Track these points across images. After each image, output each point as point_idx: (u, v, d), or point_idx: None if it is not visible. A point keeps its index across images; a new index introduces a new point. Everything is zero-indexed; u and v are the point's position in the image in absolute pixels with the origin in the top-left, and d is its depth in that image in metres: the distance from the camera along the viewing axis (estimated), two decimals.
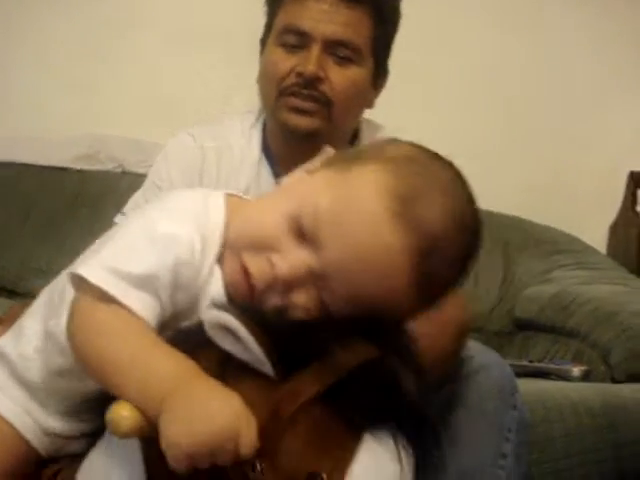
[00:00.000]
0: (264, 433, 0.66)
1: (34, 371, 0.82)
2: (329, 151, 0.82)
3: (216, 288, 0.77)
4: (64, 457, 0.83)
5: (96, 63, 2.40)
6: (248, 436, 0.65)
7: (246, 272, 0.75)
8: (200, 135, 1.31)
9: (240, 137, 1.31)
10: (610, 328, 1.66)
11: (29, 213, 2.19)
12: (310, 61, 1.21)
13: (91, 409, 0.81)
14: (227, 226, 0.79)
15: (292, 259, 0.74)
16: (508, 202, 2.12)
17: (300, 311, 0.73)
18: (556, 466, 1.37)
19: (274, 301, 0.75)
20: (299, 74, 1.22)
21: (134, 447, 0.73)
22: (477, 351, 1.18)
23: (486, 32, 2.36)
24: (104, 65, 2.41)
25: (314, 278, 0.74)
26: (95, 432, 0.80)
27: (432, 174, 0.75)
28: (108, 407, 0.71)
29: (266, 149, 1.31)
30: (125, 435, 0.67)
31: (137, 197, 1.33)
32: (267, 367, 0.68)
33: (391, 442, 0.69)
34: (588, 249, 2.16)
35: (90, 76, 2.40)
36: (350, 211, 0.73)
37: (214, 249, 0.78)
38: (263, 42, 1.30)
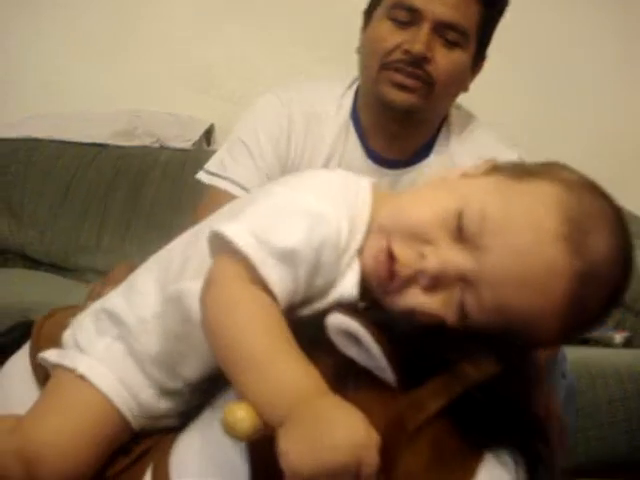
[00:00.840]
0: (384, 443, 0.63)
1: (149, 336, 0.81)
2: (491, 161, 0.79)
3: (351, 280, 0.74)
4: (156, 432, 0.82)
5: (130, 39, 2.42)
6: (371, 464, 0.62)
7: (392, 256, 0.72)
8: (289, 100, 1.31)
9: (329, 104, 1.31)
10: None
11: (70, 190, 2.21)
12: (419, 40, 1.20)
13: (194, 387, 0.80)
14: (372, 217, 0.76)
15: (445, 256, 0.71)
16: None
17: (432, 316, 0.71)
18: (601, 433, 1.37)
19: (411, 298, 0.72)
20: (406, 51, 1.21)
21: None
22: None
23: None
24: (138, 41, 2.42)
25: (462, 282, 0.71)
26: (188, 411, 0.80)
27: (604, 207, 0.73)
28: (216, 392, 0.71)
29: (355, 119, 1.31)
30: (241, 439, 0.65)
31: (222, 154, 1.33)
32: (389, 375, 0.66)
33: (511, 462, 0.66)
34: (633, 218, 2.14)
35: (125, 52, 2.41)
36: (520, 221, 0.70)
37: (358, 238, 0.75)
38: (369, 14, 1.28)
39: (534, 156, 0.79)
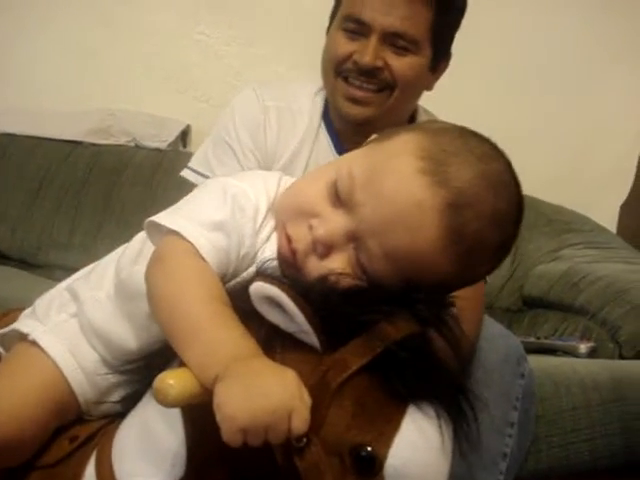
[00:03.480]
0: (311, 403, 0.65)
1: (101, 314, 0.85)
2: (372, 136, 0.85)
3: (270, 250, 0.80)
4: (102, 419, 0.84)
5: (108, 37, 2.41)
6: (302, 415, 0.65)
7: (288, 237, 0.78)
8: (263, 93, 1.34)
9: (303, 101, 1.34)
10: (619, 305, 1.67)
11: (44, 186, 2.20)
12: (367, 52, 1.23)
13: (138, 368, 0.83)
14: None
15: (329, 222, 0.78)
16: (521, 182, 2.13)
17: (343, 278, 0.74)
18: (565, 439, 1.38)
19: (316, 267, 0.77)
20: (355, 62, 1.24)
21: (174, 412, 0.73)
22: (483, 324, 1.20)
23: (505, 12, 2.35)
24: (116, 39, 2.41)
25: (351, 240, 0.77)
26: (132, 395, 0.82)
27: (467, 143, 0.77)
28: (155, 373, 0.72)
29: (327, 118, 1.34)
30: (171, 404, 0.67)
31: (206, 151, 1.35)
32: (313, 338, 0.69)
33: (433, 414, 0.68)
34: (598, 228, 2.17)
35: (102, 50, 2.41)
36: (383, 172, 0.75)
37: (273, 221, 0.82)
38: (330, 22, 1.32)
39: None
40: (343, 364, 0.68)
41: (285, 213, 0.81)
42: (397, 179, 0.74)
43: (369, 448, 0.66)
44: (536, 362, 1.30)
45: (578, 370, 1.43)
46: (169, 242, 0.78)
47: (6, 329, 0.89)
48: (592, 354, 1.59)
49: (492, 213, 0.75)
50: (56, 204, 2.18)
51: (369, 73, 1.23)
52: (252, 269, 0.79)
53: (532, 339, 1.65)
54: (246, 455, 0.69)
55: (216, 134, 1.35)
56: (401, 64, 1.24)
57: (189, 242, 0.76)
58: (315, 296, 0.69)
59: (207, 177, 1.31)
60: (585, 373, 1.42)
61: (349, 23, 1.25)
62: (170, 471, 0.74)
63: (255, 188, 0.82)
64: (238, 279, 0.79)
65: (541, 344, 1.62)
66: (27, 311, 0.91)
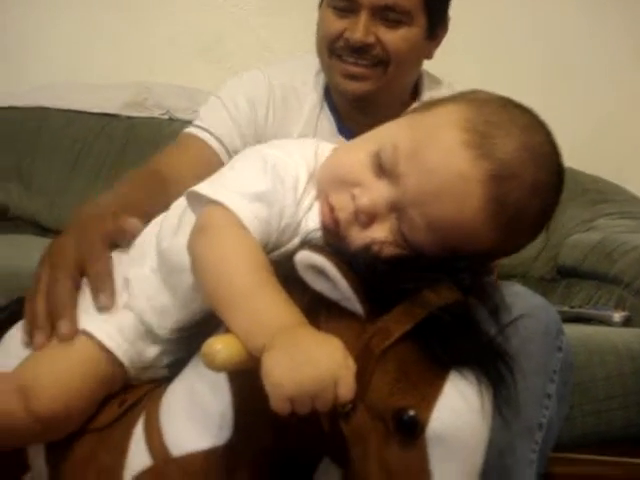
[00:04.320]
0: (356, 370, 0.67)
1: (148, 287, 0.86)
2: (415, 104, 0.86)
3: (313, 222, 0.81)
4: (148, 383, 0.87)
5: (142, 10, 2.42)
6: (348, 383, 0.66)
7: (331, 207, 0.80)
8: (270, 72, 1.33)
9: (305, 80, 1.33)
10: None
11: (80, 159, 2.23)
12: (357, 28, 1.21)
13: (184, 336, 0.85)
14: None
15: (372, 192, 0.79)
16: None
17: (386, 247, 0.76)
18: (598, 408, 1.40)
19: (358, 236, 0.78)
20: (347, 40, 1.22)
21: (221, 377, 0.76)
22: (523, 295, 1.20)
23: None
24: (150, 12, 2.43)
25: (393, 210, 0.78)
26: (178, 361, 0.84)
27: (510, 114, 0.78)
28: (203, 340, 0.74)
29: (329, 97, 1.33)
30: (218, 369, 0.69)
31: (199, 111, 1.33)
32: (356, 305, 0.70)
33: (474, 379, 0.70)
34: (633, 198, 2.16)
35: (136, 23, 2.42)
36: (427, 143, 0.77)
37: (314, 191, 0.83)
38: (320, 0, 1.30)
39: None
40: (386, 331, 0.69)
41: (327, 182, 0.82)
42: (442, 151, 0.76)
43: (412, 412, 0.68)
44: (570, 331, 1.31)
45: (612, 339, 1.44)
46: (212, 213, 0.79)
47: None
48: (626, 323, 1.60)
49: (533, 184, 0.76)
50: (93, 176, 2.21)
51: (361, 50, 1.22)
52: (296, 240, 0.80)
53: (566, 308, 1.66)
54: (292, 419, 0.71)
55: (212, 98, 1.34)
56: (394, 38, 1.22)
57: (232, 212, 0.77)
58: (358, 264, 0.71)
59: (195, 126, 1.30)
60: (619, 342, 1.43)
61: (338, 0, 1.23)
62: (217, 434, 0.77)
63: (294, 158, 0.83)
64: (282, 250, 0.80)
65: (575, 313, 1.63)
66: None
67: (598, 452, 1.45)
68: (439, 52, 1.32)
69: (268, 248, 0.80)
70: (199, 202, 0.81)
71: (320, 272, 0.70)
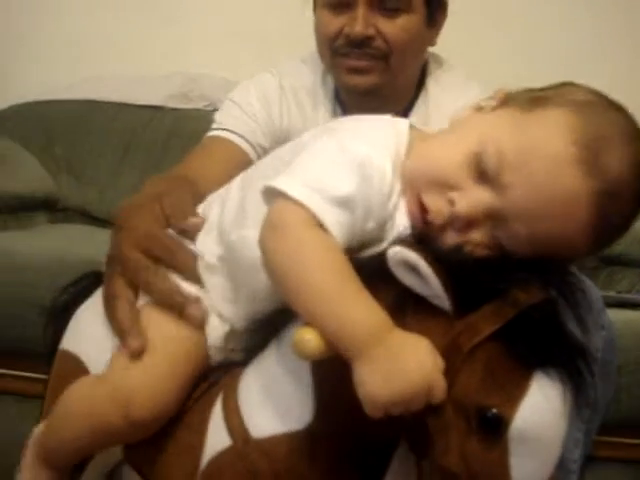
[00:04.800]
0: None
1: (218, 278, 0.88)
2: (502, 90, 0.82)
3: (401, 221, 0.79)
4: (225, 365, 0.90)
5: (187, 2, 2.46)
6: (440, 386, 0.68)
7: (424, 209, 0.77)
8: (280, 74, 1.35)
9: (316, 80, 1.34)
10: None
11: (129, 150, 2.28)
12: (356, 22, 1.20)
13: (259, 323, 0.86)
14: (406, 159, 0.80)
15: (472, 198, 0.76)
16: None
17: (476, 248, 0.75)
18: None
19: (451, 238, 0.76)
20: (347, 36, 1.22)
21: (302, 363, 0.77)
22: None
23: None
24: (195, 4, 2.46)
25: (493, 219, 0.76)
26: (254, 346, 0.87)
27: (615, 121, 0.77)
28: (280, 326, 0.78)
29: (337, 94, 1.34)
30: (311, 358, 0.71)
31: (215, 116, 1.37)
32: (445, 302, 0.71)
33: (558, 380, 0.70)
34: None
35: (181, 15, 2.46)
36: (535, 154, 0.74)
37: (399, 181, 0.79)
38: (314, 0, 1.30)
39: None
40: (475, 329, 0.70)
41: (419, 181, 0.78)
42: (551, 166, 0.73)
43: (495, 410, 0.69)
44: (617, 315, 1.33)
45: None
46: (287, 209, 0.75)
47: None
48: None
49: (635, 198, 0.76)
50: (141, 167, 2.25)
51: (362, 43, 1.21)
52: (384, 244, 0.78)
53: (612, 293, 1.67)
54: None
55: (226, 101, 1.37)
56: (394, 28, 1.22)
57: (314, 214, 0.74)
58: (449, 263, 0.71)
59: (214, 128, 1.33)
60: None
61: None
62: (298, 418, 0.80)
63: (378, 150, 0.79)
64: (369, 251, 0.78)
65: (621, 298, 1.64)
66: None
67: None
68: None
69: (351, 249, 0.78)
70: (273, 193, 0.78)
71: (411, 268, 0.71)
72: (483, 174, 0.76)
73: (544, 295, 0.70)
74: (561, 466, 1.21)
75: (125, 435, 0.87)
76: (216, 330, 0.88)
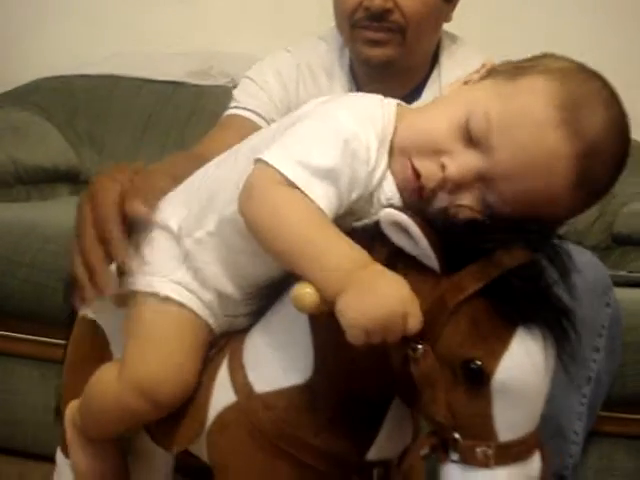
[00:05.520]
0: (428, 319, 0.73)
1: (209, 252, 0.90)
2: (488, 64, 0.87)
3: (389, 191, 0.83)
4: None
5: None
6: (415, 315, 0.73)
7: (416, 174, 0.81)
8: (296, 53, 1.38)
9: (333, 58, 1.37)
10: None
11: (150, 125, 2.31)
12: None
13: (260, 290, 0.89)
14: (395, 132, 0.84)
15: (462, 162, 0.80)
16: None
17: (465, 211, 0.79)
18: None
19: (442, 202, 0.81)
20: (367, 8, 1.24)
21: (302, 323, 0.82)
22: (573, 251, 1.24)
23: None
24: None
25: (481, 180, 0.80)
26: (257, 311, 0.90)
27: (592, 86, 0.81)
28: (281, 290, 0.81)
29: (353, 72, 1.36)
30: (309, 310, 0.75)
31: (233, 94, 1.40)
32: (434, 262, 0.75)
33: (540, 336, 0.73)
34: None
35: None
36: (520, 119, 0.79)
37: (387, 154, 0.83)
38: None
39: None
40: (460, 286, 0.73)
41: (411, 147, 0.83)
42: (535, 129, 0.78)
43: (479, 362, 0.72)
44: (626, 293, 1.35)
45: None
46: (266, 174, 0.79)
47: (127, 287, 0.94)
48: None
49: (613, 157, 0.81)
50: (162, 142, 2.29)
51: (381, 17, 1.24)
52: (373, 214, 0.81)
53: (623, 272, 1.68)
54: (367, 364, 0.78)
55: (243, 79, 1.40)
56: (412, 3, 1.24)
57: (303, 190, 0.78)
58: (438, 225, 0.75)
59: (233, 107, 1.36)
60: None
61: None
62: (299, 373, 0.84)
63: (363, 125, 0.82)
64: (360, 223, 0.82)
65: (633, 277, 1.65)
66: (135, 264, 0.93)
67: None
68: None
69: (339, 216, 0.81)
70: (263, 163, 0.81)
71: (402, 229, 0.75)
72: (471, 139, 0.80)
73: (527, 257, 0.74)
74: (560, 434, 1.25)
75: (154, 416, 0.92)
76: (210, 304, 0.91)
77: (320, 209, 0.78)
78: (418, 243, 0.75)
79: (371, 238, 0.78)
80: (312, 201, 0.78)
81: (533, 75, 0.81)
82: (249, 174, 0.82)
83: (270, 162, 0.80)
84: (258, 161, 0.82)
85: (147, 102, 2.35)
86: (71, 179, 2.26)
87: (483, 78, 0.86)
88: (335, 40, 1.38)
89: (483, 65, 0.87)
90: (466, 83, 0.87)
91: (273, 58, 1.40)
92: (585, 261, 1.24)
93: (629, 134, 0.83)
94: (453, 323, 0.74)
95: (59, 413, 1.07)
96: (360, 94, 0.92)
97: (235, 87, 2.33)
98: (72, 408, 1.01)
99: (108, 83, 2.38)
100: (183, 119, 2.31)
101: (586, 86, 0.81)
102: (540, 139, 0.78)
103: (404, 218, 0.74)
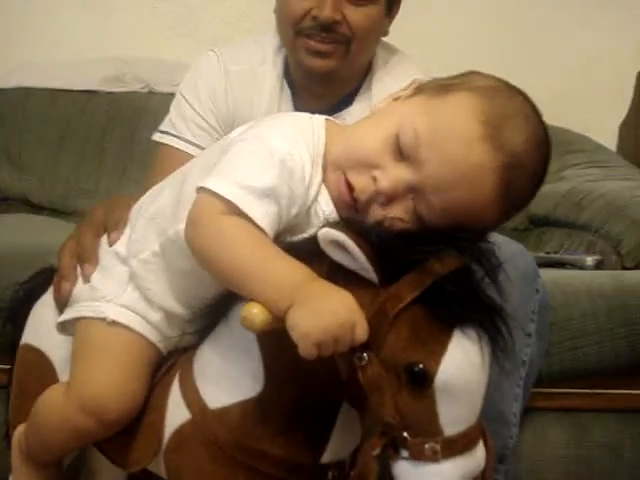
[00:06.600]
0: (371, 328, 0.77)
1: (155, 274, 0.93)
2: (416, 81, 0.91)
3: (325, 204, 0.86)
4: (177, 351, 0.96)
5: None
6: (362, 325, 0.77)
7: (350, 187, 0.85)
8: (225, 57, 1.38)
9: (264, 61, 1.37)
10: (620, 220, 1.77)
11: (66, 136, 2.28)
12: (326, 6, 1.25)
13: (206, 308, 0.91)
14: (327, 148, 0.88)
15: (393, 175, 0.84)
16: None
17: (398, 222, 0.83)
18: (575, 344, 1.50)
19: (375, 214, 0.84)
20: (315, 18, 1.26)
21: (250, 338, 0.85)
22: (502, 243, 1.30)
23: None
24: None
25: (412, 192, 0.84)
26: (205, 328, 0.92)
27: (516, 103, 0.85)
28: (227, 307, 0.84)
29: (288, 74, 1.37)
30: (259, 329, 0.78)
31: (171, 114, 1.41)
32: (372, 274, 0.79)
33: (475, 336, 0.78)
34: (599, 148, 2.25)
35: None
36: (447, 134, 0.82)
37: (320, 171, 0.87)
38: None
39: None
40: (398, 296, 0.78)
41: (344, 162, 0.86)
42: (461, 143, 0.82)
43: (421, 365, 0.77)
44: (547, 275, 1.41)
45: (585, 281, 1.54)
46: (208, 203, 0.83)
47: (74, 314, 0.97)
48: (599, 266, 1.69)
49: (534, 171, 0.85)
50: (80, 152, 2.27)
51: (329, 28, 1.25)
52: (312, 230, 0.85)
53: (542, 254, 1.76)
54: (315, 373, 0.81)
55: (178, 96, 1.40)
56: (359, 16, 1.27)
57: (242, 211, 0.81)
58: (372, 238, 0.79)
59: (169, 134, 1.39)
60: (592, 283, 1.53)
61: None
62: (250, 387, 0.87)
63: (298, 146, 0.85)
64: (299, 237, 0.86)
65: (550, 258, 1.72)
66: (85, 291, 0.98)
67: (574, 386, 1.55)
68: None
69: (279, 233, 0.85)
70: (203, 191, 0.84)
71: (339, 246, 0.79)
72: (402, 153, 0.83)
73: (458, 263, 0.79)
74: (501, 419, 1.31)
75: (101, 435, 0.93)
76: (150, 331, 0.94)
77: (262, 230, 0.81)
78: (355, 258, 0.78)
79: (309, 254, 0.82)
80: (253, 223, 0.81)
81: (460, 92, 0.85)
82: (193, 203, 0.84)
83: (211, 188, 0.83)
84: (200, 190, 0.84)
85: (62, 113, 2.32)
86: None
87: (413, 95, 0.89)
88: (270, 43, 1.39)
89: (412, 82, 0.91)
90: (396, 100, 0.91)
91: (202, 68, 1.39)
92: (515, 250, 1.29)
93: (549, 149, 0.88)
94: (394, 331, 0.78)
95: (9, 439, 1.07)
96: (289, 114, 0.95)
97: (150, 93, 2.38)
98: (19, 433, 1.02)
99: (19, 96, 2.34)
100: (100, 128, 2.30)
101: (509, 102, 0.85)
102: (466, 153, 0.82)
103: (340, 235, 0.78)
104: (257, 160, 0.84)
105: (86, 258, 0.99)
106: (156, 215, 0.94)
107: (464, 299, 0.78)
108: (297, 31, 1.29)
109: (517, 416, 1.35)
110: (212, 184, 0.83)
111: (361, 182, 0.85)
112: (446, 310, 0.78)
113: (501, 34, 2.41)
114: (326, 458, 0.88)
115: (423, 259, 0.78)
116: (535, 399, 1.49)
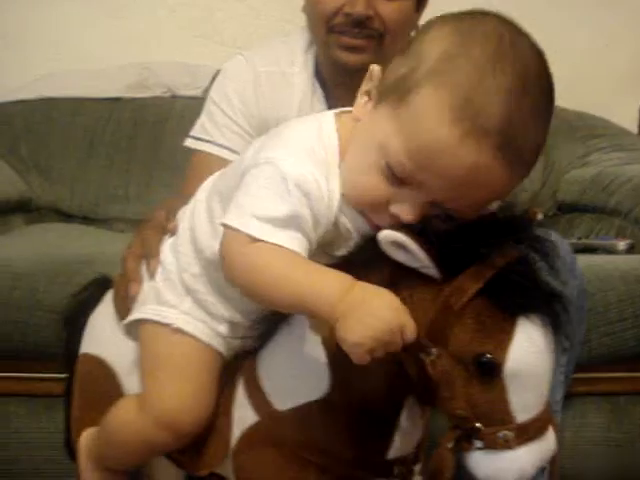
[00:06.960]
0: (437, 323, 0.80)
1: (206, 287, 0.95)
2: (363, 88, 0.88)
3: (350, 214, 0.86)
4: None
5: None
6: (410, 325, 0.78)
7: (377, 226, 0.85)
8: (253, 59, 1.39)
9: (293, 62, 1.38)
10: None
11: (94, 144, 2.31)
12: (358, 1, 1.25)
13: (263, 316, 0.94)
14: (342, 148, 0.86)
15: (408, 205, 0.82)
16: None
17: (438, 223, 0.83)
18: (612, 329, 1.52)
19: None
20: (348, 14, 1.26)
21: (315, 340, 0.88)
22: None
23: None
24: None
25: (434, 204, 0.82)
26: (265, 332, 0.94)
27: (487, 74, 0.79)
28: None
29: (319, 73, 1.38)
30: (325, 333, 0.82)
31: (202, 120, 1.42)
32: (433, 271, 0.81)
33: (539, 322, 0.80)
34: (622, 131, 2.26)
35: (127, 4, 2.48)
36: (429, 152, 0.79)
37: (337, 180, 0.85)
38: None
39: None
40: (462, 289, 0.80)
41: (358, 207, 0.85)
42: (447, 156, 0.78)
43: (489, 355, 0.80)
44: (581, 260, 1.43)
45: (619, 266, 1.56)
46: (235, 241, 0.83)
47: (140, 315, 0.99)
48: (630, 250, 1.71)
49: (538, 120, 0.81)
50: (108, 160, 2.30)
51: (361, 24, 1.26)
52: (350, 243, 0.87)
53: (573, 240, 1.77)
54: (380, 371, 0.84)
55: (209, 101, 1.41)
56: (391, 11, 1.27)
57: (270, 243, 0.82)
58: (430, 236, 0.80)
59: (203, 140, 1.40)
60: (626, 268, 1.55)
61: None
62: (316, 388, 0.89)
63: (304, 163, 0.84)
64: (348, 253, 0.87)
65: (582, 244, 1.74)
66: (150, 294, 0.99)
67: (613, 371, 1.58)
68: None
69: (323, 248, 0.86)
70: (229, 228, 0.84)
71: (400, 246, 0.81)
72: (400, 180, 0.82)
73: (517, 253, 0.81)
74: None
75: (174, 447, 0.96)
76: (214, 339, 0.96)
77: (292, 251, 0.82)
78: (416, 256, 0.81)
79: (365, 262, 0.84)
80: (282, 247, 0.82)
81: (420, 92, 0.79)
82: (221, 242, 0.86)
83: (233, 225, 0.83)
84: (223, 226, 0.85)
85: (87, 121, 2.34)
86: (23, 208, 2.25)
87: (375, 105, 0.85)
88: (298, 43, 1.39)
89: (365, 92, 0.87)
90: (357, 120, 0.87)
91: (231, 71, 1.41)
92: (554, 240, 1.30)
93: (542, 76, 0.81)
94: (460, 323, 0.80)
95: (70, 446, 1.10)
96: (295, 127, 0.90)
97: (174, 97, 2.40)
98: (86, 438, 1.05)
99: (44, 106, 2.36)
100: (126, 135, 2.32)
101: (471, 70, 0.78)
102: (457, 162, 0.78)
103: (400, 236, 0.81)
104: (272, 188, 0.83)
105: (153, 255, 0.99)
106: (191, 238, 0.96)
107: (525, 287, 0.80)
108: (329, 28, 1.29)
109: (559, 404, 1.38)
110: (232, 220, 0.84)
111: (385, 221, 0.84)
112: (508, 299, 0.80)
113: (516, 17, 2.41)
114: (392, 454, 0.91)
115: (482, 252, 0.80)
116: (574, 384, 1.51)
